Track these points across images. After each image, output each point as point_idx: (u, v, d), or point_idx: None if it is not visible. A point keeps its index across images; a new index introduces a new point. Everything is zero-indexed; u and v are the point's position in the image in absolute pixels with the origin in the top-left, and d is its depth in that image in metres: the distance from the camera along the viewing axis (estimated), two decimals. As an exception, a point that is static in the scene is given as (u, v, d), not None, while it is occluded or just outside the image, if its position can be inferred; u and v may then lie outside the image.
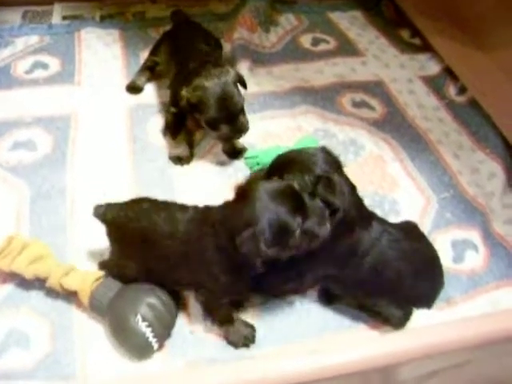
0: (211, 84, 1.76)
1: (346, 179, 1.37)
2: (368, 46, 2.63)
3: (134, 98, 2.22)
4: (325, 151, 1.38)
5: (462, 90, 2.33)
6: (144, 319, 1.36)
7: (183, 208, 1.41)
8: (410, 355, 1.05)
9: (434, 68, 2.49)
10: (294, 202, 1.24)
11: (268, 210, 1.21)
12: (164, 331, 1.41)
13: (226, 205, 1.34)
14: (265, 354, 1.39)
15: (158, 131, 2.06)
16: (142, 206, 1.43)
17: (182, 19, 2.36)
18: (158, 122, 2.10)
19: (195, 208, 1.40)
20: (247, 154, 1.84)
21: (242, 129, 1.82)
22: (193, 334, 1.46)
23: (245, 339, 1.44)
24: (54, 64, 2.38)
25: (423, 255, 1.46)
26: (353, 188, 1.37)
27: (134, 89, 2.24)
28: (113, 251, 1.50)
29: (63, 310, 1.49)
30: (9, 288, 1.53)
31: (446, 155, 2.05)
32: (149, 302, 1.39)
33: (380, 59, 2.54)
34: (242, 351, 1.41)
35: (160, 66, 2.23)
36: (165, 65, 2.17)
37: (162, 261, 1.39)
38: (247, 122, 1.83)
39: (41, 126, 2.06)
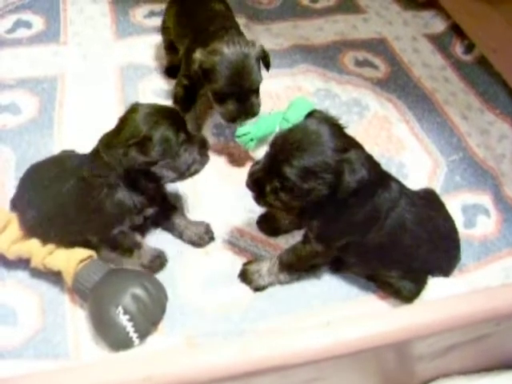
0: (231, 52, 1.54)
1: (351, 138, 1.27)
2: (369, 3, 2.51)
3: (125, 58, 2.10)
4: (324, 120, 1.24)
5: (469, 49, 2.23)
6: (126, 312, 1.25)
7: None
8: (432, 329, 0.97)
9: (439, 26, 2.39)
10: (179, 121, 1.33)
11: (152, 122, 1.27)
12: (148, 326, 1.29)
13: (106, 133, 1.34)
14: (270, 327, 1.32)
15: (151, 92, 1.96)
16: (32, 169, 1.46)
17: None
18: (150, 82, 2.00)
19: None
20: (238, 132, 1.65)
21: (250, 110, 1.60)
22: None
23: (158, 259, 1.44)
24: (37, 22, 2.25)
25: (441, 224, 1.38)
26: (362, 149, 1.27)
27: (167, 71, 2.05)
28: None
29: (53, 282, 1.40)
30: (-7, 260, 1.44)
31: (453, 116, 1.97)
32: (133, 293, 1.27)
33: (382, 16, 2.43)
34: (245, 324, 1.34)
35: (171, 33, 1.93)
36: (176, 31, 1.86)
37: (54, 211, 1.35)
38: (259, 105, 1.62)
39: (25, 88, 1.95)
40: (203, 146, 1.39)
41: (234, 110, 1.59)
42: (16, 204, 1.43)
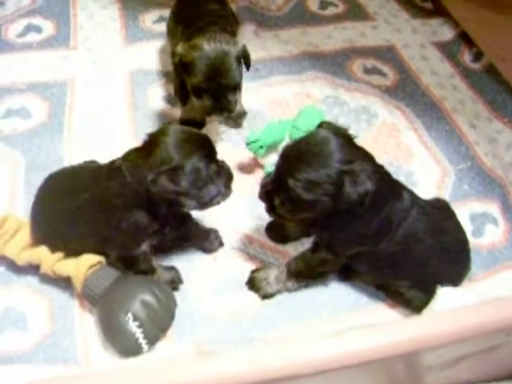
0: (210, 48, 1.55)
1: (361, 149, 1.27)
2: (378, 10, 2.51)
3: (135, 63, 2.11)
4: (333, 131, 1.24)
5: (478, 57, 2.23)
6: (135, 318, 1.25)
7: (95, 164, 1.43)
8: (442, 340, 0.97)
9: (447, 33, 2.39)
10: (210, 151, 1.29)
11: (185, 150, 1.23)
12: (157, 332, 1.29)
13: (132, 150, 1.30)
14: (279, 335, 1.32)
15: (160, 98, 1.97)
16: (48, 180, 1.44)
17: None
18: (159, 88, 2.01)
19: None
20: (248, 139, 1.66)
21: (226, 107, 1.62)
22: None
23: (171, 283, 1.41)
24: (47, 27, 2.26)
25: (452, 234, 1.38)
26: (372, 159, 1.27)
27: None
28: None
29: (63, 287, 1.41)
30: (3, 265, 1.44)
31: (461, 124, 1.97)
32: (143, 300, 1.27)
33: (391, 24, 2.43)
34: (254, 331, 1.34)
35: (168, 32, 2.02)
36: (172, 29, 1.91)
37: (66, 223, 1.34)
38: (235, 102, 1.63)
39: (35, 92, 1.97)
40: (229, 179, 1.36)
41: (209, 105, 1.61)
42: (32, 212, 1.43)
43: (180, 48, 1.59)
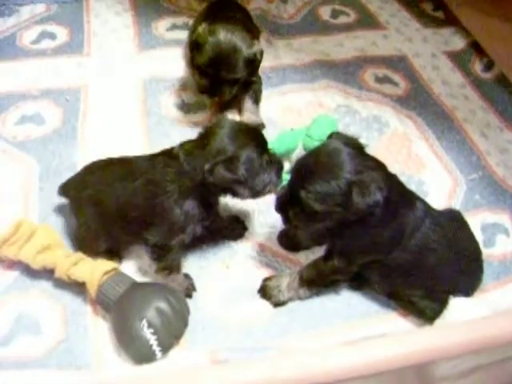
0: (224, 38, 1.65)
1: (373, 159, 1.28)
2: (389, 19, 2.53)
3: (147, 70, 2.13)
4: (343, 141, 1.26)
5: (489, 67, 2.24)
6: (150, 325, 1.25)
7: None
8: (457, 351, 0.97)
9: (458, 43, 2.40)
10: (263, 142, 1.35)
11: (240, 141, 1.29)
12: (171, 339, 1.29)
13: (188, 141, 1.36)
14: (292, 344, 1.32)
15: (173, 105, 1.98)
16: (95, 165, 1.48)
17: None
18: (172, 95, 2.02)
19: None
20: None
21: (217, 93, 1.74)
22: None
23: (186, 290, 1.43)
24: (61, 34, 2.28)
25: (465, 245, 1.39)
26: (384, 169, 1.28)
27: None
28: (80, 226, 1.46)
29: (76, 293, 1.41)
30: (18, 269, 1.45)
31: (472, 134, 1.97)
32: (158, 307, 1.27)
33: (402, 33, 2.45)
34: (267, 339, 1.34)
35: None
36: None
37: (117, 209, 1.36)
38: (229, 94, 1.75)
39: (49, 98, 1.98)
40: (280, 169, 1.39)
41: (205, 86, 1.73)
42: (69, 193, 1.49)
43: (201, 28, 1.70)
